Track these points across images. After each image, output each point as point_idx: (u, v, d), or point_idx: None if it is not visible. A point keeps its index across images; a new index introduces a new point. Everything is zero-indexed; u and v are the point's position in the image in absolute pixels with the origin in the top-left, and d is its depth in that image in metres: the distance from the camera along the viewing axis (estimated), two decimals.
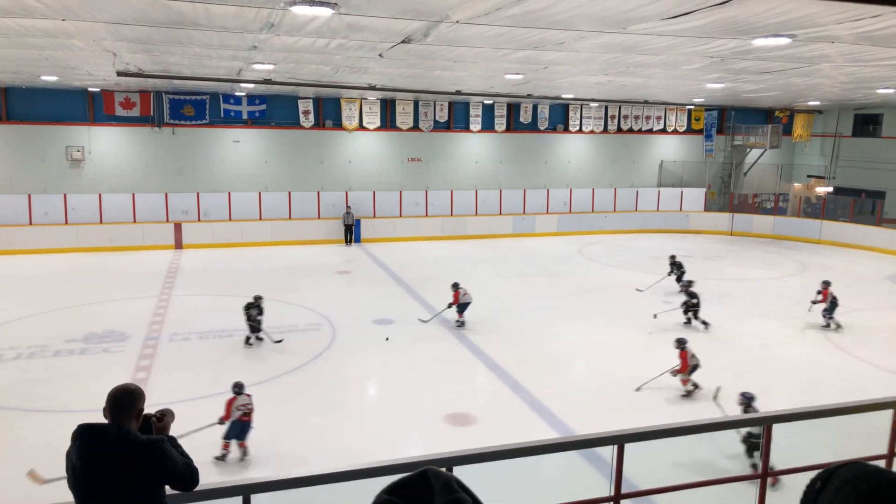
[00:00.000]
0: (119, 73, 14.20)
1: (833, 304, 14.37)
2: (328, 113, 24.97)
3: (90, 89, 21.92)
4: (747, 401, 8.52)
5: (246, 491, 3.21)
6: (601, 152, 28.71)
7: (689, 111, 29.05)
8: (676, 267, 17.51)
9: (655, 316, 14.88)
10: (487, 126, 26.74)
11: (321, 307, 15.57)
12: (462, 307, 14.17)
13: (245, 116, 24.08)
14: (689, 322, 14.35)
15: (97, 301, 15.84)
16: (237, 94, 23.20)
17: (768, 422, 4.00)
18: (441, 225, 25.98)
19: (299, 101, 24.21)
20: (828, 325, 14.39)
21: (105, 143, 22.90)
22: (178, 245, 23.07)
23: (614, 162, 28.92)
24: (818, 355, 12.95)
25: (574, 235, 27.05)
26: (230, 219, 23.95)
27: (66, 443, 3.01)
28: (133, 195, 23.09)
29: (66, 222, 22.43)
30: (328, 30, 8.90)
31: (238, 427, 8.51)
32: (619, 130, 28.61)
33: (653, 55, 10.82)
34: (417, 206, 26.11)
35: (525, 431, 9.32)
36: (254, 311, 12.88)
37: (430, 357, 12.48)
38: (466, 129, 26.58)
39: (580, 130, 28.00)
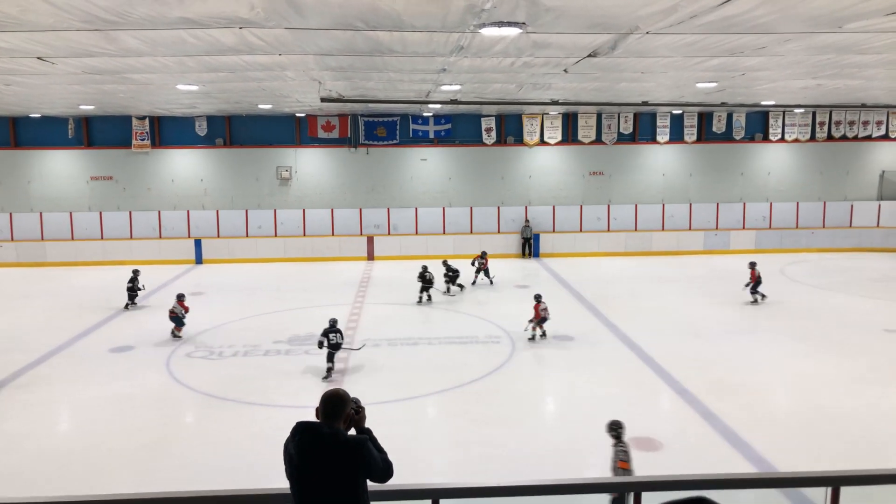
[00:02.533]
0: (322, 100, 15.55)
1: (758, 282, 17.21)
2: (510, 129, 25.37)
3: (297, 115, 24.30)
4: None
5: (436, 495, 3.34)
6: (807, 162, 26.11)
7: None
8: (450, 270, 18.96)
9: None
10: (676, 137, 25.51)
11: (500, 320, 15.77)
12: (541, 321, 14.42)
13: (431, 136, 25.22)
14: (429, 299, 17.67)
15: (300, 307, 17.38)
16: (425, 114, 24.40)
17: None
18: (624, 240, 25.18)
19: (482, 118, 24.88)
20: (755, 301, 17.23)
21: (308, 163, 25.22)
22: (371, 257, 24.70)
23: (823, 173, 26.16)
24: None
25: (775, 253, 24.82)
26: (416, 233, 25.16)
27: (273, 432, 3.35)
28: (332, 210, 25.15)
29: (276, 235, 24.98)
30: (515, 49, 9.06)
31: (176, 320, 14.71)
32: (830, 138, 25.85)
33: (874, 54, 9.66)
34: (599, 220, 25.56)
35: (716, 463, 8.69)
36: (134, 282, 17.46)
37: (613, 377, 12.10)
38: (653, 140, 25.58)
39: (782, 139, 25.72)
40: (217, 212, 24.95)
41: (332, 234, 25.12)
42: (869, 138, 25.86)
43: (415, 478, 8.67)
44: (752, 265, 17.50)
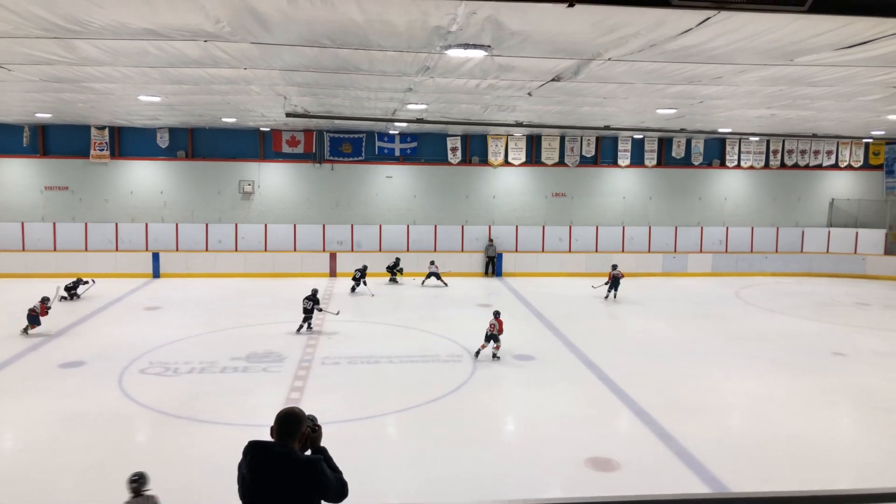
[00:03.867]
0: (288, 115, 15.50)
1: (614, 283, 20.50)
2: (475, 149, 25.59)
3: (261, 129, 24.12)
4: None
5: None
6: (762, 189, 26.93)
7: (867, 145, 26.56)
8: (361, 273, 21.96)
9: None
10: (637, 161, 26.07)
11: (462, 339, 15.77)
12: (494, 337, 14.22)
13: (397, 153, 25.28)
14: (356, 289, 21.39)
15: (260, 323, 17.13)
16: (391, 132, 24.47)
17: None
18: (585, 261, 25.50)
19: (448, 138, 25.06)
20: (607, 297, 20.55)
21: (272, 178, 25.00)
22: (333, 273, 24.50)
23: (776, 199, 27.00)
24: None
25: (730, 277, 25.45)
26: (380, 250, 25.08)
27: (227, 452, 3.28)
28: (294, 226, 24.92)
29: (237, 249, 24.63)
30: (480, 71, 9.18)
31: (33, 319, 15.43)
32: (783, 166, 26.73)
33: (824, 87, 10.07)
34: (561, 241, 25.87)
35: (672, 483, 8.79)
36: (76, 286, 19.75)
37: (572, 397, 12.18)
38: (614, 163, 26.08)
39: (738, 166, 26.51)
40: (176, 225, 24.50)
41: (295, 250, 24.87)
42: (819, 167, 26.82)
43: (372, 498, 8.57)
44: (613, 267, 20.89)
